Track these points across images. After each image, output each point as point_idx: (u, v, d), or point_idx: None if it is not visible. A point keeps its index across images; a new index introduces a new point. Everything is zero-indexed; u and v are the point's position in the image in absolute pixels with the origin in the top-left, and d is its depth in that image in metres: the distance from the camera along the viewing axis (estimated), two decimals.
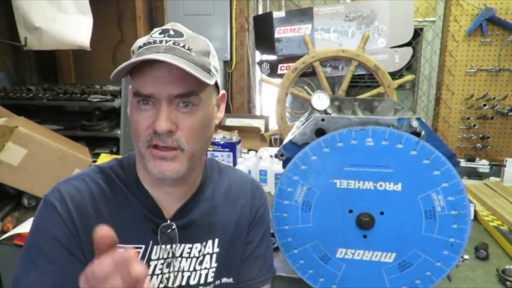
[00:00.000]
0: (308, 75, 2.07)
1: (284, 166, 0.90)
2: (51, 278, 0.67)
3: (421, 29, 2.22)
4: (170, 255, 0.76)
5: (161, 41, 0.66)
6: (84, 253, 0.69)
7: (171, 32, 0.68)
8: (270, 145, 2.30)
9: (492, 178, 1.90)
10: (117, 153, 2.06)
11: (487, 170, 1.93)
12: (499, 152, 2.11)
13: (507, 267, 1.11)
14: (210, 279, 0.79)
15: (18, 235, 1.29)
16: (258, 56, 2.31)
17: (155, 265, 0.74)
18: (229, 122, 2.34)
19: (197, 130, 0.68)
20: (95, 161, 1.73)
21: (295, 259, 0.90)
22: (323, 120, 0.87)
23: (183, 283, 0.77)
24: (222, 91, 0.78)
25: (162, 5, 2.43)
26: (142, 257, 0.73)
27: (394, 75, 1.99)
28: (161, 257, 0.75)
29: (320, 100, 0.98)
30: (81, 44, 2.05)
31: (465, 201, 0.82)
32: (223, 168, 0.88)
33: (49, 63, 2.68)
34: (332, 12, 1.97)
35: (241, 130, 2.20)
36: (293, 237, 0.89)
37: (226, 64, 2.42)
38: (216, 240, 0.81)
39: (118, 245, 0.45)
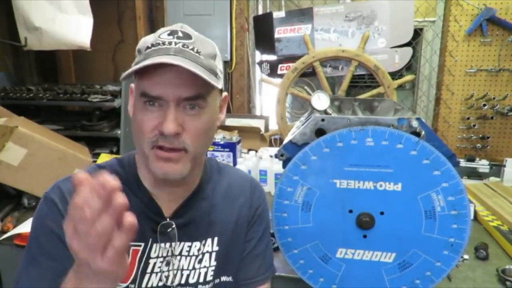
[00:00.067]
0: (308, 75, 2.07)
1: (284, 166, 0.90)
2: (51, 273, 0.67)
3: (421, 29, 2.21)
4: (170, 253, 0.76)
5: (170, 43, 0.66)
6: None
7: (180, 34, 0.68)
8: (270, 145, 2.30)
9: (492, 178, 1.90)
10: (117, 153, 2.06)
11: (487, 170, 1.93)
12: (499, 152, 2.11)
13: (507, 267, 1.11)
14: (209, 278, 0.79)
15: (18, 235, 1.29)
16: (258, 56, 2.30)
17: (154, 263, 0.75)
18: (229, 122, 2.34)
19: (202, 132, 0.69)
20: (95, 161, 1.73)
21: (295, 259, 0.91)
22: (323, 120, 0.87)
23: (182, 282, 0.77)
24: (224, 93, 0.78)
25: (162, 5, 2.43)
26: (142, 255, 0.74)
27: (394, 75, 1.99)
28: (160, 255, 0.75)
29: (320, 100, 0.99)
30: (81, 44, 2.04)
31: (465, 201, 0.82)
32: (222, 167, 0.88)
33: (49, 63, 2.67)
34: (332, 12, 1.97)
35: (241, 130, 2.19)
36: (293, 237, 0.90)
37: (226, 64, 2.42)
38: (216, 239, 0.81)
39: None
